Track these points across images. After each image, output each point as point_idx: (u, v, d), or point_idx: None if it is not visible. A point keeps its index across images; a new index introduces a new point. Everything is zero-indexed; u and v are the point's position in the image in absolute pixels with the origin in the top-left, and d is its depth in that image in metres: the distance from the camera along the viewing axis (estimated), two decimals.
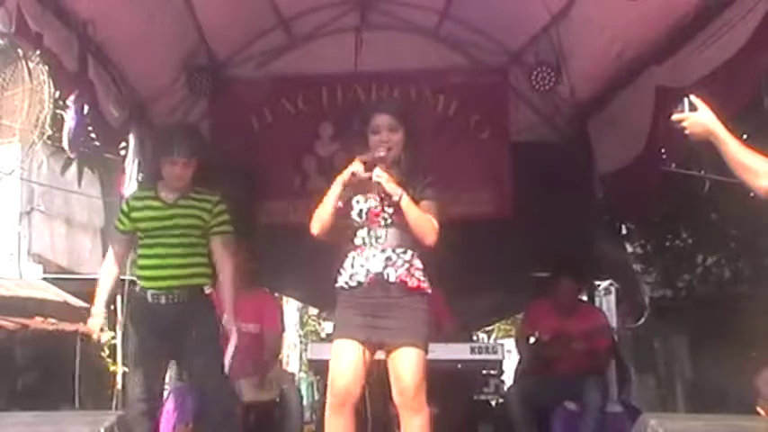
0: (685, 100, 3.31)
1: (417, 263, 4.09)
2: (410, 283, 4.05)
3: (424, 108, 6.98)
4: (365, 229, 4.08)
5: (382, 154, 4.03)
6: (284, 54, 6.90)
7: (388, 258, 4.04)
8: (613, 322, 7.34)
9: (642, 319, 7.84)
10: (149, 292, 4.66)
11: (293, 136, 7.01)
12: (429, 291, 4.10)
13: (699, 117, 3.29)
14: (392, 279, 4.03)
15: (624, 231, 8.24)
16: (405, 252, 4.07)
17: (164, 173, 4.71)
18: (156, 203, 4.72)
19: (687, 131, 3.32)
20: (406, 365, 3.99)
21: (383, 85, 6.91)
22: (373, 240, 4.06)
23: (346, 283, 4.08)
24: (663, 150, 5.87)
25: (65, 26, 4.82)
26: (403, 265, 4.05)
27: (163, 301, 4.64)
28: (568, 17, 5.78)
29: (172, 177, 4.69)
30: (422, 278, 4.09)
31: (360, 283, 4.04)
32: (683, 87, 5.07)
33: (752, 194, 3.28)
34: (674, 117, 3.33)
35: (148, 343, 4.69)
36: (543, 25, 6.09)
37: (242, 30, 6.60)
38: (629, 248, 8.57)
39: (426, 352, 4.05)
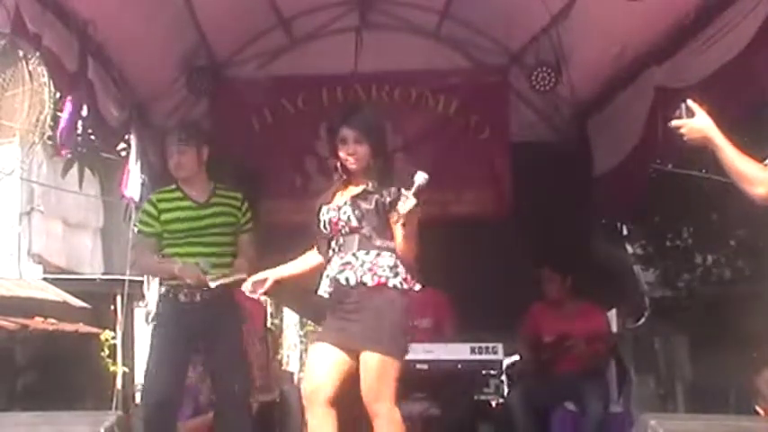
0: (683, 105, 3.31)
1: (384, 261, 4.06)
2: (370, 282, 4.02)
3: (424, 108, 6.98)
4: (333, 239, 4.15)
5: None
6: (284, 54, 6.90)
7: (347, 263, 4.06)
8: (613, 322, 7.32)
9: (642, 320, 7.84)
10: (183, 291, 4.65)
11: (294, 136, 7.00)
12: (398, 285, 4.04)
13: (696, 123, 3.30)
14: (352, 282, 4.03)
15: (625, 232, 8.24)
16: (367, 253, 4.07)
17: (170, 168, 4.74)
18: (186, 203, 4.72)
19: (685, 138, 3.32)
20: (365, 370, 4.01)
21: (383, 86, 6.91)
22: (337, 249, 4.12)
23: (321, 295, 4.16)
24: (654, 150, 5.87)
25: (65, 26, 4.82)
26: (363, 265, 4.05)
27: (198, 298, 4.64)
28: (568, 17, 5.78)
29: (175, 168, 4.71)
30: (387, 275, 4.04)
31: (330, 294, 4.10)
32: (682, 88, 5.08)
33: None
34: (672, 123, 3.33)
35: (177, 342, 4.68)
36: (543, 25, 6.09)
37: (242, 30, 6.60)
38: (630, 249, 8.56)
39: (392, 354, 4.01)
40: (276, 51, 6.87)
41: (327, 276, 4.11)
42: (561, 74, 6.27)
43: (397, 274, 4.05)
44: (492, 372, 6.04)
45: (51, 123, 8.81)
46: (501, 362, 6.05)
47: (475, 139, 6.99)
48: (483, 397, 6.28)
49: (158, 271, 4.98)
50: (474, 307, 6.39)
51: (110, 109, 5.53)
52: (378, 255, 4.06)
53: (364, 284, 4.03)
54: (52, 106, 8.64)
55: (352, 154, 4.14)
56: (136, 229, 4.93)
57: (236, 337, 4.76)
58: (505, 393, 6.23)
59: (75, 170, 8.74)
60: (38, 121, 8.80)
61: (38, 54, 5.63)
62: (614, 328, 7.16)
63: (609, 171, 6.44)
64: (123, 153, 6.92)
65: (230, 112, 6.90)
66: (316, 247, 4.26)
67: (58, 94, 8.20)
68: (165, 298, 4.79)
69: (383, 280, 4.03)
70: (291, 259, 4.43)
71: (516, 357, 6.69)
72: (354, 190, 4.18)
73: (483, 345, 5.83)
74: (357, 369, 4.04)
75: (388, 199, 4.06)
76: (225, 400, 4.76)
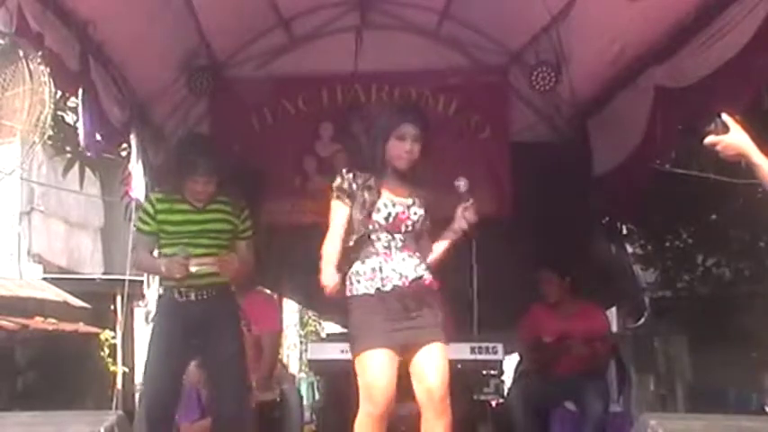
0: (717, 120, 3.23)
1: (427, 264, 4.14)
2: (435, 287, 4.10)
3: (424, 108, 6.98)
4: (387, 233, 4.05)
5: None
6: (284, 54, 6.90)
7: (418, 263, 4.06)
8: (613, 322, 7.32)
9: (642, 320, 7.84)
10: (177, 290, 4.68)
11: (293, 136, 7.02)
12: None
13: (732, 140, 3.21)
14: (425, 283, 4.06)
15: (624, 232, 8.23)
16: (421, 257, 4.10)
17: (185, 187, 4.76)
18: (184, 207, 4.75)
19: (720, 154, 3.24)
20: (432, 363, 3.95)
21: (383, 85, 6.92)
22: (399, 244, 4.05)
23: (377, 289, 4.00)
24: (655, 150, 5.88)
25: (65, 26, 4.82)
26: (426, 269, 4.09)
27: (192, 297, 4.66)
28: (568, 17, 5.78)
29: (192, 193, 4.74)
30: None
31: (395, 288, 3.99)
32: (683, 88, 5.09)
33: (752, 195, 3.27)
34: (707, 140, 3.24)
35: (176, 340, 4.70)
36: (543, 25, 6.09)
37: (242, 30, 6.60)
38: (630, 249, 8.56)
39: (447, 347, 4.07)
40: (276, 51, 6.87)
41: (395, 271, 4.00)
42: (561, 73, 6.27)
43: None
44: (492, 372, 6.04)
45: (52, 123, 8.80)
46: (501, 362, 6.06)
47: (475, 139, 6.99)
48: (483, 397, 6.28)
49: (149, 267, 5.07)
50: (474, 307, 6.39)
51: (112, 109, 5.53)
52: (425, 258, 4.11)
53: (433, 286, 4.09)
54: (52, 106, 8.63)
55: (409, 152, 4.09)
56: (134, 228, 4.95)
57: (234, 338, 4.77)
58: (505, 393, 6.23)
59: (75, 170, 8.74)
60: (38, 120, 8.78)
61: (39, 54, 5.63)
62: (614, 328, 7.17)
63: (610, 171, 6.44)
64: (123, 153, 6.93)
65: (230, 112, 6.91)
66: (341, 229, 4.09)
67: (58, 94, 8.19)
68: (162, 298, 4.87)
69: (438, 285, 4.11)
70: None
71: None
72: (404, 187, 4.13)
73: (483, 345, 5.82)
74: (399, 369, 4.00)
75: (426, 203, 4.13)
76: (221, 403, 4.77)
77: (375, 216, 4.03)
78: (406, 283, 4.00)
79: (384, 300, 3.99)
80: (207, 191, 4.71)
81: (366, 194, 4.04)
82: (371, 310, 4.00)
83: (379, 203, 4.04)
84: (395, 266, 4.01)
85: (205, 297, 4.67)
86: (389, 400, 3.91)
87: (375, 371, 3.92)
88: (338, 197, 4.10)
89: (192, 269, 4.58)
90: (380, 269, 4.00)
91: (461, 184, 4.13)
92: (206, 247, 4.68)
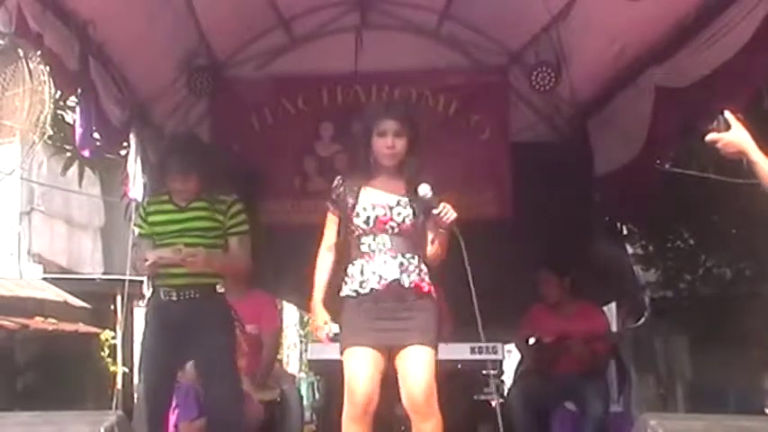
0: (720, 117, 3.26)
1: (424, 267, 4.06)
2: (424, 288, 4.03)
3: (424, 108, 6.98)
4: (371, 236, 4.03)
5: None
6: (284, 54, 6.91)
7: (401, 264, 4.00)
8: (613, 322, 7.32)
9: (642, 320, 7.84)
10: (162, 290, 4.69)
11: (293, 136, 7.02)
12: (434, 295, 4.08)
13: (733, 137, 3.25)
14: (406, 285, 4.00)
15: (625, 232, 8.24)
16: (413, 257, 4.03)
17: (171, 188, 4.78)
18: (168, 207, 4.76)
19: (721, 152, 3.28)
20: (414, 367, 3.93)
21: (383, 85, 6.91)
22: (381, 246, 4.01)
23: (356, 291, 4.01)
24: (660, 150, 5.88)
25: (65, 26, 4.83)
26: (414, 270, 4.02)
27: (174, 297, 4.66)
28: (569, 17, 5.79)
29: (175, 192, 4.75)
30: (430, 282, 4.07)
31: (372, 290, 3.98)
32: (682, 88, 5.09)
33: (753, 195, 3.27)
34: (709, 138, 3.28)
35: (161, 341, 4.70)
36: (543, 25, 6.10)
37: (242, 30, 6.60)
38: (630, 249, 8.56)
39: (436, 352, 4.01)
40: (276, 51, 6.88)
41: (374, 273, 3.99)
42: (561, 73, 6.27)
43: (431, 280, 4.08)
44: (492, 372, 6.03)
45: (52, 123, 8.81)
46: (501, 362, 6.04)
47: (475, 140, 6.99)
48: (483, 397, 6.27)
49: (137, 267, 5.02)
50: (473, 307, 6.37)
51: (111, 109, 5.53)
52: (419, 259, 4.04)
53: (420, 288, 4.01)
54: (52, 106, 8.63)
55: (391, 147, 4.04)
56: (136, 230, 4.96)
57: (223, 337, 4.75)
58: (505, 393, 6.23)
59: (75, 168, 8.74)
60: (38, 120, 8.79)
61: (39, 53, 5.64)
62: (614, 328, 7.16)
63: (614, 171, 6.43)
64: (123, 153, 6.93)
65: (230, 112, 6.91)
66: (332, 241, 4.11)
67: (58, 94, 8.20)
68: (151, 298, 4.87)
69: (432, 289, 4.04)
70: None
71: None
72: (393, 187, 4.09)
73: (483, 345, 5.82)
74: (389, 369, 3.98)
75: (423, 202, 4.02)
76: (213, 403, 4.77)
77: (355, 220, 4.03)
78: (384, 286, 3.98)
79: (363, 302, 4.00)
80: (188, 189, 4.70)
81: (349, 199, 4.06)
82: (353, 311, 4.02)
83: (359, 208, 4.03)
84: (375, 269, 4.00)
85: (188, 297, 4.65)
86: (370, 399, 3.91)
87: (353, 370, 3.96)
88: (329, 208, 4.15)
89: (147, 262, 4.58)
90: (362, 272, 4.01)
91: (426, 192, 4.01)
92: (190, 246, 4.64)
